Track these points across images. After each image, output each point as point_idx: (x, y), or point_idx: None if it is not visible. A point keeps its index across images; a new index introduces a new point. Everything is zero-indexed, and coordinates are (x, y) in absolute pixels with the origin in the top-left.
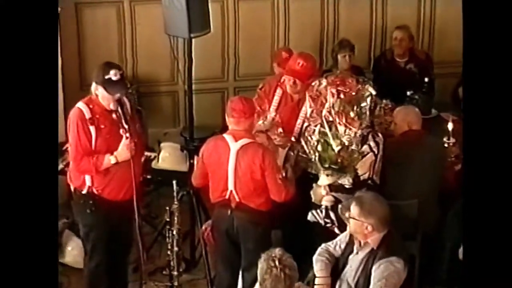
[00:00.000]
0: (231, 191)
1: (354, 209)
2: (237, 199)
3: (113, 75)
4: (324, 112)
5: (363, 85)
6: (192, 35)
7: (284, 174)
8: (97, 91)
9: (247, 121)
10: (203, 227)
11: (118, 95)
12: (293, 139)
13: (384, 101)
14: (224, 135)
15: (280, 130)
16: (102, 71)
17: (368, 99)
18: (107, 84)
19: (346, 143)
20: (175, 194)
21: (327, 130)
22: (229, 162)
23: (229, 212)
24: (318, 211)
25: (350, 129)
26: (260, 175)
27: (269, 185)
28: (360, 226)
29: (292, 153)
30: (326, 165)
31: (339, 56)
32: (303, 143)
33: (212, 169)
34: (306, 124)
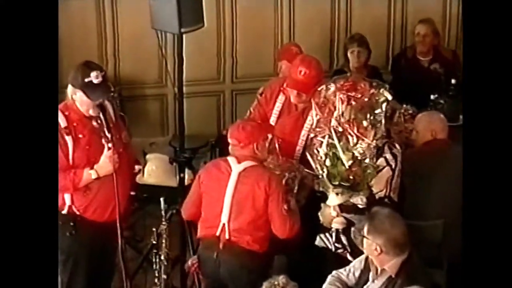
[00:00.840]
0: (223, 225)
1: (364, 226)
2: (227, 236)
3: (94, 77)
4: (333, 121)
5: (377, 89)
6: (183, 30)
7: (285, 207)
8: (75, 95)
9: (245, 149)
10: (189, 262)
11: (98, 100)
12: (296, 154)
13: (404, 106)
14: (228, 157)
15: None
16: (81, 72)
17: (383, 105)
18: (88, 88)
19: (359, 157)
20: (163, 213)
21: (336, 142)
22: (227, 186)
23: (215, 255)
24: (328, 234)
25: (363, 140)
26: (263, 201)
27: (272, 215)
28: (369, 246)
29: (294, 176)
30: (336, 182)
31: (348, 53)
32: (308, 157)
33: (207, 196)
34: (312, 135)
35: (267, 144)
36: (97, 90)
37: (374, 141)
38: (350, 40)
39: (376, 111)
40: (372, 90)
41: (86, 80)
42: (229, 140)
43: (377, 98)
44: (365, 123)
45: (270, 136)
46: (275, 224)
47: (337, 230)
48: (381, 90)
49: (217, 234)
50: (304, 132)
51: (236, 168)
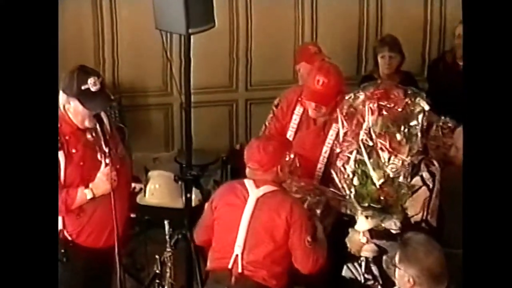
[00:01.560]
0: (236, 256)
1: (396, 254)
2: (240, 270)
3: (92, 84)
4: (362, 134)
5: (412, 98)
6: (191, 30)
7: (310, 239)
8: (68, 104)
9: (267, 174)
10: None
11: (98, 110)
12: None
13: (442, 118)
14: (245, 180)
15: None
16: (76, 79)
17: (420, 117)
18: (84, 97)
19: (391, 175)
20: (167, 238)
21: (365, 158)
22: (243, 213)
23: None
24: (356, 264)
25: (396, 156)
26: (283, 232)
27: (293, 248)
28: (401, 277)
29: (319, 200)
30: (366, 204)
31: (378, 57)
32: (334, 175)
33: (220, 223)
34: (337, 150)
35: (288, 163)
36: (95, 98)
37: (409, 157)
38: (381, 43)
39: (411, 123)
40: (407, 99)
41: (83, 87)
42: (248, 164)
43: (412, 108)
44: (398, 137)
45: (291, 155)
46: (297, 258)
47: (366, 258)
48: (417, 99)
49: (229, 266)
50: (325, 149)
51: (254, 193)
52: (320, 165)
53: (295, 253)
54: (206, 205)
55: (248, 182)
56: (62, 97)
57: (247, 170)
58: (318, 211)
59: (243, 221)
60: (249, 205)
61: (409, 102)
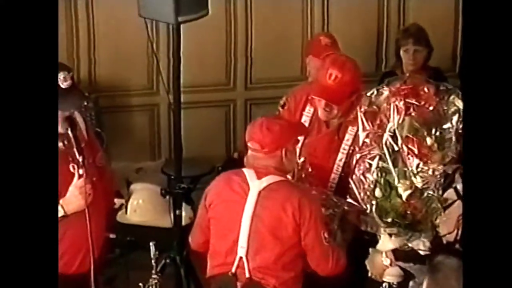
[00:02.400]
0: (240, 258)
1: (424, 280)
2: (247, 274)
3: (61, 80)
4: (386, 137)
5: (446, 96)
6: (180, 18)
7: (326, 235)
8: None
9: (270, 158)
10: None
11: (68, 111)
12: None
13: None
14: (244, 169)
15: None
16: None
17: (454, 118)
18: None
19: (420, 186)
20: (153, 262)
21: (390, 165)
22: (244, 209)
23: None
24: None
25: (425, 163)
26: (292, 232)
27: (308, 248)
28: None
29: (333, 213)
30: (389, 220)
31: (401, 50)
32: (352, 185)
33: (217, 222)
34: (356, 156)
35: (297, 151)
36: (66, 97)
37: (441, 166)
38: (404, 35)
39: (444, 126)
40: (439, 97)
41: None
42: (248, 144)
43: (445, 108)
44: (429, 141)
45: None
46: (314, 258)
47: (389, 284)
48: (452, 98)
49: (233, 270)
50: (340, 156)
51: (255, 185)
52: (334, 175)
53: (312, 254)
54: (200, 204)
55: (248, 172)
56: None
57: (247, 154)
58: (334, 226)
59: (245, 219)
60: (250, 200)
61: (442, 100)
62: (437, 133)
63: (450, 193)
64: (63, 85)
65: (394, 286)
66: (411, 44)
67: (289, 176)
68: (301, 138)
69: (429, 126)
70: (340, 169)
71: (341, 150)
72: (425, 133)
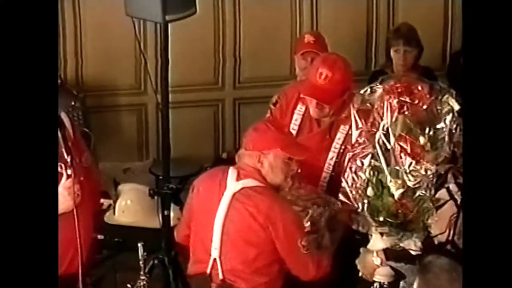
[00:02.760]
0: (214, 259)
1: (415, 281)
2: (221, 276)
3: None
4: (379, 135)
5: (440, 96)
6: (168, 17)
7: (304, 243)
8: None
9: (250, 158)
10: None
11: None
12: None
13: None
14: (231, 168)
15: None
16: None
17: (448, 118)
18: None
19: (412, 185)
20: (141, 264)
21: (383, 163)
22: (218, 210)
23: None
24: None
25: (418, 162)
26: (264, 238)
27: (285, 257)
28: None
29: (321, 213)
30: (381, 219)
31: (391, 50)
32: (344, 184)
33: (197, 217)
34: (348, 155)
35: (281, 163)
36: None
37: (434, 165)
38: (395, 35)
39: (438, 125)
40: (433, 96)
41: None
42: (245, 147)
43: (439, 107)
44: (422, 140)
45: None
46: (293, 267)
47: (380, 284)
48: (446, 97)
49: (208, 271)
50: (332, 155)
51: (231, 186)
52: (325, 174)
53: (289, 262)
54: (189, 195)
55: (231, 172)
56: None
57: (243, 154)
58: (321, 225)
59: (217, 220)
60: (224, 201)
61: (436, 100)
62: (431, 133)
63: (442, 193)
64: None
65: (385, 286)
66: (402, 44)
67: None
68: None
69: (423, 125)
70: (331, 168)
71: (332, 149)
72: (418, 132)
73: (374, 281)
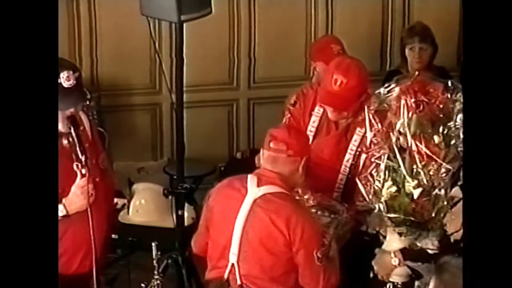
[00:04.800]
0: (232, 265)
1: (431, 280)
2: (239, 281)
3: (64, 79)
4: (395, 135)
5: (454, 94)
6: (183, 17)
7: (319, 255)
8: None
9: (288, 163)
10: None
11: (71, 109)
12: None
13: None
14: (249, 175)
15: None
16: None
17: (460, 116)
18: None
19: (428, 184)
20: (155, 263)
21: (400, 163)
22: (238, 216)
23: None
24: None
25: (433, 161)
26: (283, 246)
27: (300, 266)
28: None
29: (330, 222)
30: (398, 219)
31: (406, 49)
32: (360, 186)
33: (215, 223)
34: (366, 155)
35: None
36: (68, 96)
37: (447, 163)
38: (409, 33)
39: (450, 124)
40: (447, 95)
41: None
42: (271, 144)
43: (451, 105)
44: (436, 139)
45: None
46: (305, 277)
47: (394, 284)
48: (459, 95)
49: (225, 276)
50: (348, 156)
51: (252, 192)
52: (342, 176)
53: (303, 272)
54: (204, 205)
55: (250, 178)
56: None
57: (265, 158)
58: (330, 233)
59: (237, 226)
60: (245, 207)
61: (449, 98)
62: (444, 131)
63: (456, 191)
64: (65, 84)
65: (398, 286)
66: (417, 42)
67: None
68: None
69: (437, 124)
70: (347, 170)
71: (349, 151)
72: (433, 131)
73: (387, 282)
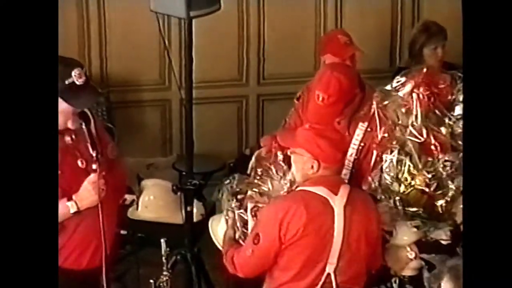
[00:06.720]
0: (327, 275)
1: (445, 280)
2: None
3: (77, 77)
4: (406, 129)
5: (458, 85)
6: (192, 13)
7: None
8: None
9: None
10: None
11: (85, 106)
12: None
13: None
14: (311, 188)
15: None
16: (59, 73)
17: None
18: (69, 92)
19: (439, 176)
20: (164, 259)
21: (409, 157)
22: (335, 229)
23: None
24: (384, 287)
25: (444, 152)
26: (376, 237)
27: (375, 251)
28: None
29: None
30: (412, 212)
31: (426, 50)
32: (372, 182)
33: (302, 247)
34: (375, 153)
35: None
36: (82, 93)
37: (456, 154)
38: (430, 34)
39: (455, 113)
40: (454, 86)
41: (67, 81)
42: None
43: (456, 96)
44: (444, 130)
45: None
46: (374, 259)
47: (400, 279)
48: (462, 85)
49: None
50: (351, 151)
51: (337, 202)
52: (346, 171)
53: (376, 255)
54: (270, 232)
55: (321, 191)
56: None
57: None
58: None
59: (336, 239)
60: (339, 220)
61: (454, 89)
62: (451, 122)
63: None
64: (78, 81)
65: (405, 279)
66: (442, 40)
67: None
68: None
69: (445, 115)
70: (351, 164)
71: (352, 145)
72: (440, 122)
73: (393, 276)
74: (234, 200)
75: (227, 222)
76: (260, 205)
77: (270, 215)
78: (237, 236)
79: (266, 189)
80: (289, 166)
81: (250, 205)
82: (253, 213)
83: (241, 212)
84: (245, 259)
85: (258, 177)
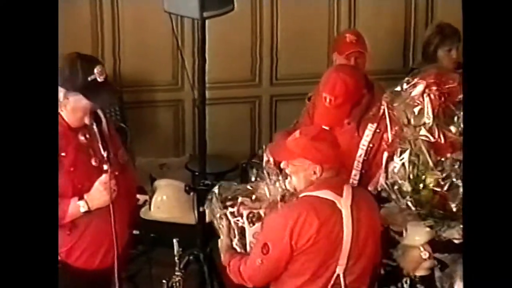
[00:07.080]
0: (337, 276)
1: (458, 278)
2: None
3: (98, 74)
4: (418, 129)
5: None
6: (205, 14)
7: None
8: (66, 100)
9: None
10: None
11: (105, 104)
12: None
13: None
14: (316, 193)
15: None
16: (81, 69)
17: None
18: (90, 89)
19: (450, 175)
20: (176, 259)
21: (421, 158)
22: (344, 231)
23: None
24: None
25: (453, 152)
26: (380, 233)
27: (378, 246)
28: None
29: None
30: (426, 212)
31: (440, 52)
32: (385, 186)
33: (314, 253)
34: (386, 154)
35: None
36: (102, 91)
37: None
38: (444, 36)
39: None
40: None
41: (90, 78)
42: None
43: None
44: (453, 129)
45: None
46: (376, 255)
47: (411, 279)
48: None
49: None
50: (360, 152)
51: (344, 203)
52: (355, 172)
53: (377, 251)
54: (279, 239)
55: (326, 194)
56: (62, 93)
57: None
58: None
59: (346, 241)
60: (347, 220)
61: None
62: (459, 121)
63: None
64: (100, 78)
65: (416, 279)
66: (456, 42)
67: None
68: None
69: (455, 114)
70: (360, 165)
71: (361, 146)
72: (450, 122)
73: (404, 276)
74: (228, 207)
75: (220, 231)
76: (255, 211)
77: (279, 224)
78: (234, 245)
79: (260, 195)
80: (280, 171)
81: (245, 212)
82: (249, 220)
83: (236, 220)
84: (254, 270)
85: (251, 183)
